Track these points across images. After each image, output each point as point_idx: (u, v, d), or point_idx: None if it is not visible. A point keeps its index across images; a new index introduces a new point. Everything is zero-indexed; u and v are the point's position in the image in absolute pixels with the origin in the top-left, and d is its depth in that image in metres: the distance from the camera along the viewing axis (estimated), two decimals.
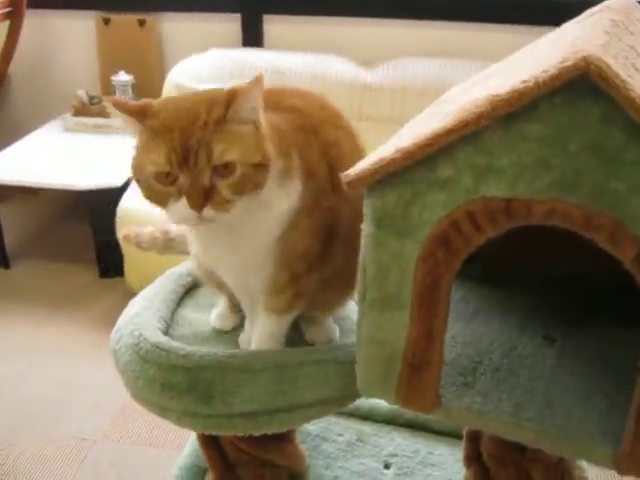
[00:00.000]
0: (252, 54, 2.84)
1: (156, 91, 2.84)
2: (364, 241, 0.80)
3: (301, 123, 0.92)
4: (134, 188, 2.62)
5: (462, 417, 0.84)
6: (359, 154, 0.93)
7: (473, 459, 1.02)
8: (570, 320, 1.00)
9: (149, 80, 2.94)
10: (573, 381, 0.89)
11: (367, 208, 0.78)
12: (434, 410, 0.85)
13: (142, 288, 2.49)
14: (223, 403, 0.94)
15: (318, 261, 0.91)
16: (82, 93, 2.90)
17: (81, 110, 2.92)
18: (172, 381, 0.94)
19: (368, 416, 1.34)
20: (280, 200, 0.87)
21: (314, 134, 0.92)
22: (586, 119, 0.65)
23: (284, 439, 1.12)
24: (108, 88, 2.90)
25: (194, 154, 0.77)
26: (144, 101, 0.82)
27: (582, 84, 0.63)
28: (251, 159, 0.81)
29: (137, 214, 2.40)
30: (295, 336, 1.03)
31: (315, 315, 1.02)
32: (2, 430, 1.87)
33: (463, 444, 1.04)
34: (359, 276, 0.82)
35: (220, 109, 0.80)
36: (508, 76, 0.77)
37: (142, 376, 0.96)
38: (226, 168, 0.79)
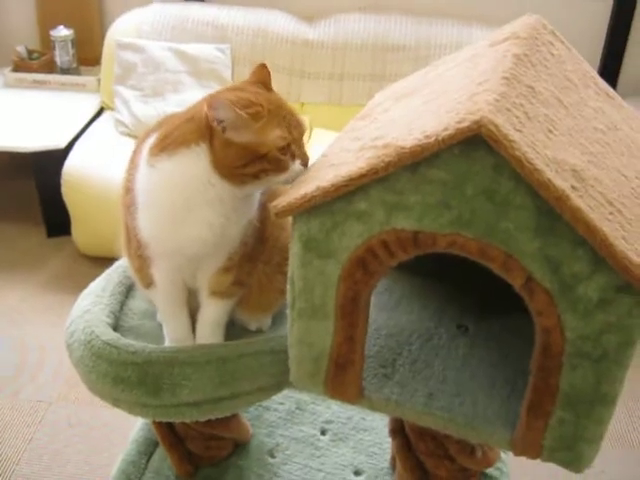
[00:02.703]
0: (194, 9, 2.83)
1: (96, 46, 2.82)
2: (292, 259, 0.89)
3: None
4: (79, 147, 2.63)
5: (382, 407, 0.96)
6: None
7: (397, 432, 1.15)
8: (483, 307, 1.12)
9: (89, 35, 2.91)
10: (481, 369, 1.01)
11: (294, 232, 0.87)
12: (358, 401, 0.97)
13: (89, 247, 2.56)
14: (171, 395, 1.03)
15: (249, 258, 1.01)
16: (21, 48, 2.85)
17: (21, 65, 2.89)
18: (123, 376, 1.03)
19: None
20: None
21: None
22: (481, 168, 0.74)
23: (229, 415, 1.23)
24: (48, 43, 2.85)
25: (301, 124, 0.95)
26: (226, 101, 0.89)
27: (477, 139, 0.72)
28: None
29: (82, 173, 2.44)
30: (233, 333, 1.12)
31: (252, 317, 1.12)
32: None
33: (389, 418, 1.17)
34: (288, 287, 0.92)
35: (271, 95, 0.96)
36: (418, 109, 0.85)
37: (94, 371, 1.05)
38: None
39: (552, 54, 0.97)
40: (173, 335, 1.10)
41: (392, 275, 1.16)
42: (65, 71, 2.89)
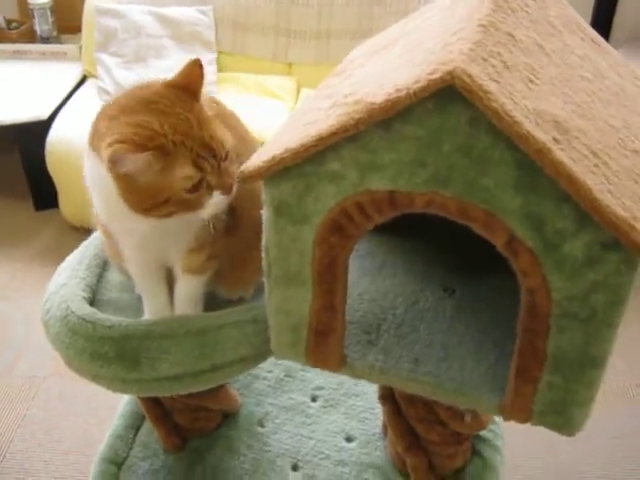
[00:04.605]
0: None
1: (77, 13, 2.74)
2: (265, 225, 0.85)
3: None
4: (62, 118, 2.57)
5: (366, 375, 0.93)
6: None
7: (387, 398, 1.13)
8: (469, 269, 1.08)
9: (69, 1, 2.82)
10: (469, 333, 0.98)
11: (265, 196, 0.82)
12: (340, 369, 0.94)
13: (77, 219, 2.51)
14: (151, 368, 1.00)
15: (223, 233, 0.97)
16: None
17: (0, 36, 2.81)
18: (100, 351, 1.00)
19: None
20: None
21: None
22: (456, 122, 0.69)
23: (215, 387, 1.20)
24: (27, 12, 2.78)
25: (217, 150, 0.82)
26: (120, 137, 0.79)
27: (451, 92, 0.67)
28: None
29: (67, 144, 2.38)
30: (215, 302, 1.08)
31: (232, 292, 1.08)
32: None
33: (378, 385, 1.14)
34: (263, 255, 0.88)
35: (194, 104, 0.83)
36: (393, 62, 0.80)
37: (72, 347, 1.02)
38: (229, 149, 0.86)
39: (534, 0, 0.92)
40: (152, 308, 1.06)
41: (374, 238, 1.12)
42: (45, 40, 2.82)
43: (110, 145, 0.76)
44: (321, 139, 0.73)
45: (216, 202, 0.85)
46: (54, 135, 2.40)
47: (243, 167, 0.80)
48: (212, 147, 0.82)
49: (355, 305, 1.01)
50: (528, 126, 0.66)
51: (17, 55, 2.78)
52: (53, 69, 2.74)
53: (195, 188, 0.82)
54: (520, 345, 0.81)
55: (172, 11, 2.66)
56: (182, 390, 1.04)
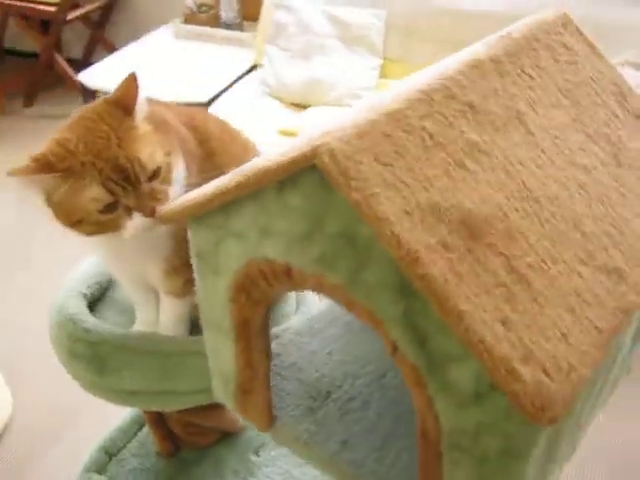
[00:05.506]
0: None
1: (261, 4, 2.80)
2: (193, 266, 0.81)
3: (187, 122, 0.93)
4: (218, 104, 2.64)
5: (289, 443, 0.86)
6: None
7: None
8: None
9: None
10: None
11: (190, 239, 0.78)
12: (268, 430, 0.87)
13: None
14: (117, 378, 1.01)
15: None
16: (190, 1, 2.95)
17: (191, 18, 2.99)
18: (76, 351, 1.03)
19: None
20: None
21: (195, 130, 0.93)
22: (340, 202, 0.60)
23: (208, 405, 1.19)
24: None
25: (132, 172, 0.79)
26: (38, 155, 0.79)
27: None
28: (165, 150, 0.83)
29: None
30: None
31: None
32: None
33: None
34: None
35: (124, 120, 0.81)
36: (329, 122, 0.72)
37: (57, 341, 1.06)
38: (155, 169, 0.82)
39: (556, 59, 0.77)
40: (140, 319, 1.07)
41: None
42: (228, 26, 2.94)
43: (31, 160, 0.77)
44: (221, 193, 0.68)
45: (137, 224, 0.80)
46: None
47: (165, 206, 0.76)
48: (125, 168, 0.78)
49: (318, 364, 0.93)
50: (401, 226, 0.55)
51: (201, 37, 2.94)
52: (228, 55, 2.86)
53: (108, 209, 0.79)
54: (420, 467, 0.69)
55: (345, 12, 2.65)
56: (139, 406, 1.04)
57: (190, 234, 0.77)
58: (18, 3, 2.96)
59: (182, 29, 2.98)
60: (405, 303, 0.59)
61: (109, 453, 1.26)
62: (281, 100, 2.64)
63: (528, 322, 0.57)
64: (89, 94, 2.70)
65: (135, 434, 1.29)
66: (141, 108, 0.82)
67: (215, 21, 2.97)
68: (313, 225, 0.63)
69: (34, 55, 3.19)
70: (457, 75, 0.67)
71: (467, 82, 0.68)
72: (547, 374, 0.55)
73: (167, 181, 0.82)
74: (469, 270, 0.56)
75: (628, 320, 0.63)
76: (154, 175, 0.80)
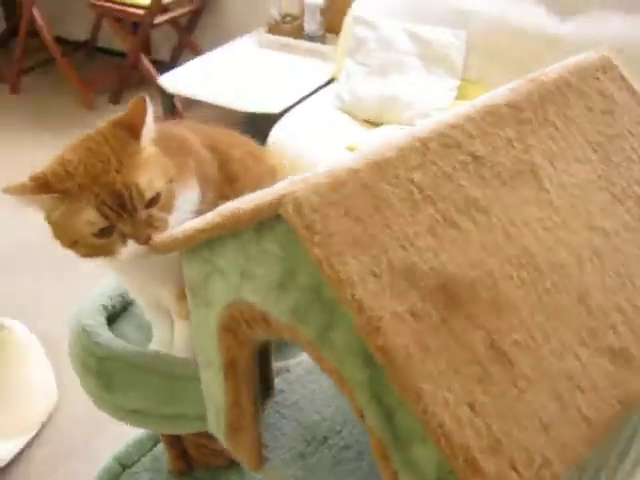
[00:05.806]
0: None
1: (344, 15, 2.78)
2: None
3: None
4: (289, 117, 2.63)
5: None
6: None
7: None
8: None
9: (339, 5, 2.90)
10: None
11: (183, 271, 0.76)
12: (257, 470, 0.84)
13: None
14: (122, 395, 1.00)
15: None
16: (274, 11, 2.96)
17: (274, 28, 3.00)
18: (87, 363, 1.02)
19: None
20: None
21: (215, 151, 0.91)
22: (306, 255, 0.56)
23: None
24: (302, 9, 2.92)
25: (128, 199, 0.77)
26: (38, 174, 0.78)
27: None
28: (167, 176, 0.81)
29: (285, 144, 2.46)
30: None
31: None
32: None
33: None
34: None
35: (129, 143, 0.79)
36: None
37: (73, 350, 1.06)
38: (154, 196, 0.80)
39: (589, 108, 0.70)
40: (156, 338, 1.05)
41: None
42: (311, 38, 2.94)
43: (30, 179, 0.77)
44: (204, 230, 0.65)
45: (131, 251, 0.78)
46: (276, 132, 2.49)
47: (160, 235, 0.74)
48: (121, 194, 0.75)
49: (320, 406, 0.89)
50: (364, 289, 0.50)
51: (283, 48, 2.95)
52: (308, 67, 2.85)
53: (104, 233, 0.77)
54: None
55: (426, 30, 2.58)
56: (148, 427, 1.02)
57: (183, 266, 0.75)
58: (111, 5, 3.06)
59: (266, 38, 3.00)
60: (370, 372, 0.55)
61: (122, 464, 1.25)
62: (353, 116, 2.60)
63: (502, 408, 0.51)
64: (167, 97, 2.75)
65: (151, 449, 1.29)
66: (148, 130, 0.80)
67: (298, 32, 2.97)
68: (287, 274, 0.59)
69: (124, 55, 3.29)
70: (465, 122, 0.62)
71: (476, 130, 0.62)
72: (514, 468, 0.49)
73: (167, 208, 0.79)
74: (440, 344, 0.51)
75: (627, 410, 0.56)
76: (153, 202, 0.78)
